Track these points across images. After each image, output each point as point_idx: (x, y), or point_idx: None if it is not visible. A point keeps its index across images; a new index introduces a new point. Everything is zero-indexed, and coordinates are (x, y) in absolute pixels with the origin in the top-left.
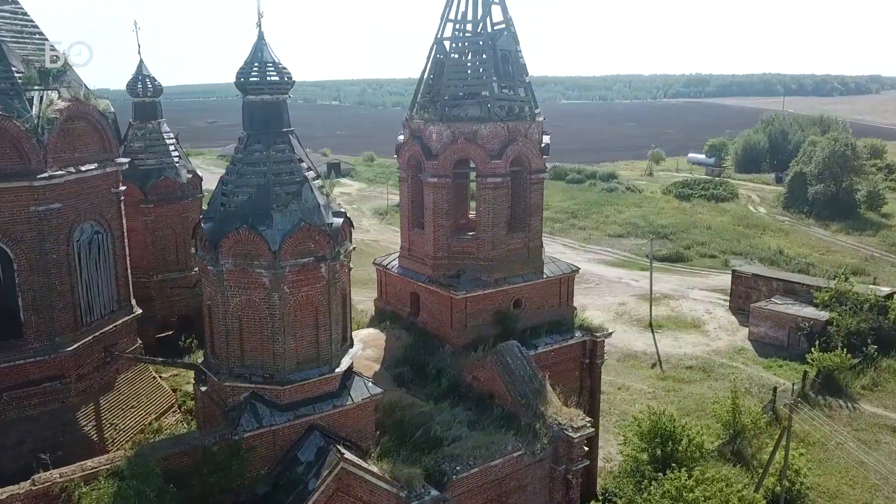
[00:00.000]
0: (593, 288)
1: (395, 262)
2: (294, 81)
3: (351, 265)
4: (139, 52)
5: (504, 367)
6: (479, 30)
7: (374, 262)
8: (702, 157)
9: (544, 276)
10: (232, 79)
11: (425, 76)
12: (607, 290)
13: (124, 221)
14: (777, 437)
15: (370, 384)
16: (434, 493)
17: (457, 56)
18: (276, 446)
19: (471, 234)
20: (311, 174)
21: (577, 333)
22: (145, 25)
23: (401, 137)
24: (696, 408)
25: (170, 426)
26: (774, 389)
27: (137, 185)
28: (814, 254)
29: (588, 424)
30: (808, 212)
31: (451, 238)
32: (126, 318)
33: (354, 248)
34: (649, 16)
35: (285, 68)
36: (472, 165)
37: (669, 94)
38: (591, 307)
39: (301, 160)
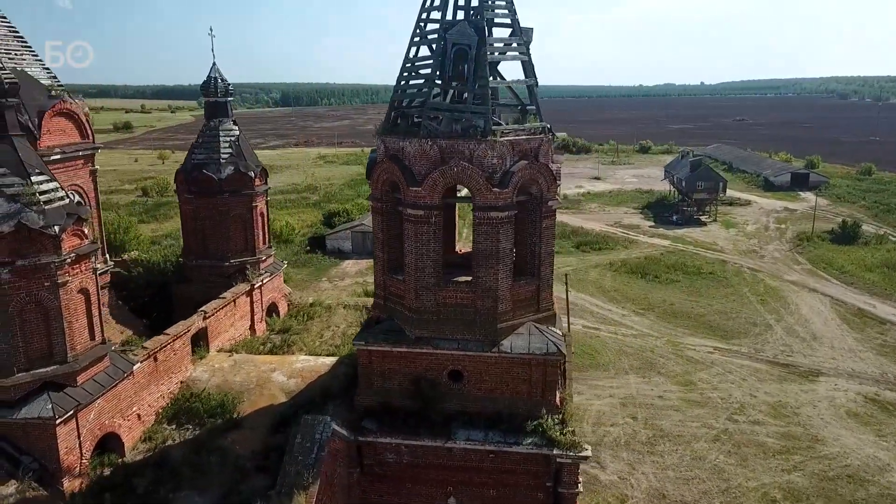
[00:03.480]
0: None
1: None
2: (15, 87)
3: (63, 279)
4: (213, 55)
5: (290, 446)
6: (435, 16)
7: None
8: None
9: (497, 350)
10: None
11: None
12: None
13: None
14: None
15: (50, 407)
16: None
17: (418, 51)
18: None
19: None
20: (4, 180)
21: (529, 440)
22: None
23: None
24: None
25: None
26: None
27: (184, 176)
28: None
29: None
30: None
31: (387, 275)
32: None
33: (68, 260)
34: None
35: (6, 73)
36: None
37: None
38: None
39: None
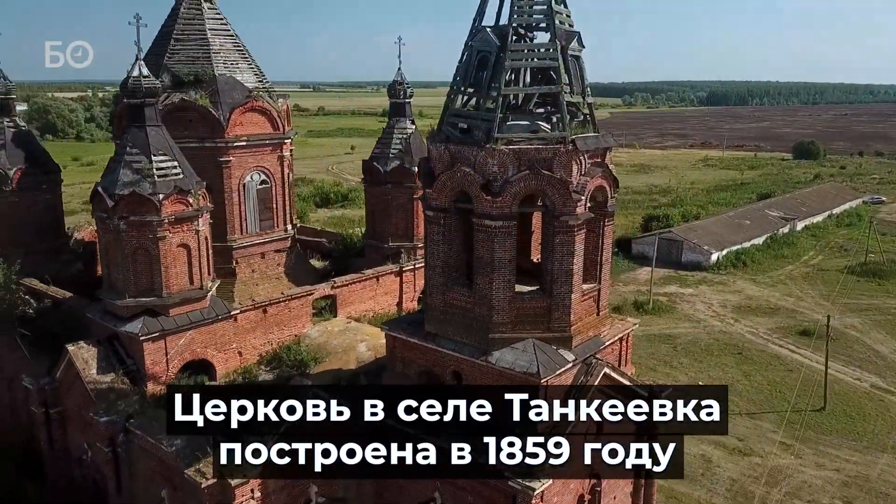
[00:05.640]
0: None
1: None
2: (153, 90)
3: (163, 235)
4: (399, 61)
5: None
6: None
7: None
8: None
9: (485, 359)
10: None
11: None
12: None
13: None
14: None
15: (140, 326)
16: None
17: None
18: None
19: None
20: (135, 158)
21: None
22: None
23: None
24: None
25: None
26: None
27: (364, 166)
28: None
29: None
30: None
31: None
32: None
33: (167, 220)
34: None
35: (149, 79)
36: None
37: None
38: None
39: (134, 146)
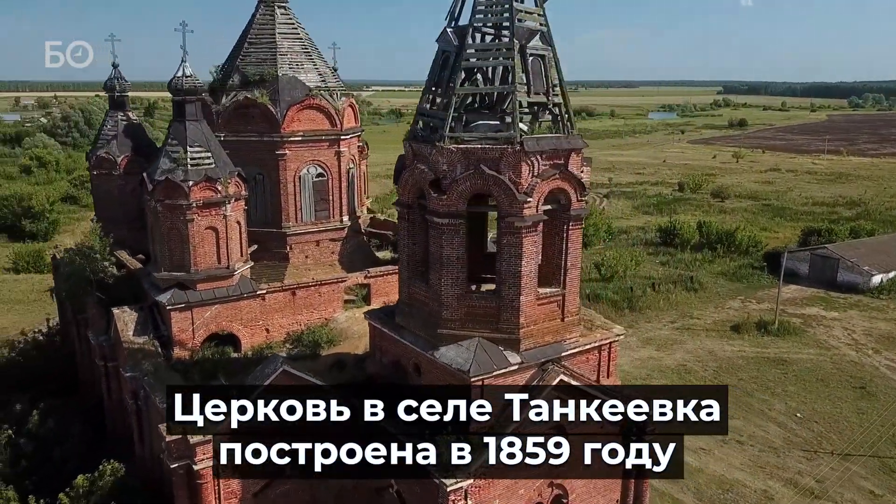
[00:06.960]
0: None
1: None
2: (193, 89)
3: (191, 217)
4: None
5: (252, 374)
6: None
7: None
8: None
9: (432, 353)
10: None
11: None
12: None
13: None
14: None
15: (169, 297)
16: None
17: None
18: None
19: None
20: (174, 149)
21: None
22: None
23: None
24: None
25: None
26: None
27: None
28: None
29: None
30: None
31: None
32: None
33: (195, 204)
34: None
35: (190, 79)
36: None
37: None
38: None
39: (174, 138)
